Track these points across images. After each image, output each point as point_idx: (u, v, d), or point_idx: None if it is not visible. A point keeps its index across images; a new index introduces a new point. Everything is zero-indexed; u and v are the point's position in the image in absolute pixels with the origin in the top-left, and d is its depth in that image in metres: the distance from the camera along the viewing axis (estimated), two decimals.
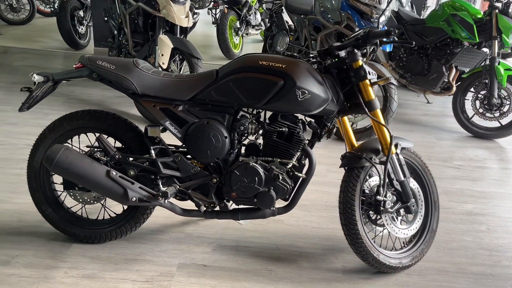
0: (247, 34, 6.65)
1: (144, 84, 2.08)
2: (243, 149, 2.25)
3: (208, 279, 2.14)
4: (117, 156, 2.08)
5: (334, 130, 2.22)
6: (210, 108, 2.13)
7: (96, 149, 2.15)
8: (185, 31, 3.99)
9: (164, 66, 3.69)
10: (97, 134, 2.22)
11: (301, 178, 2.18)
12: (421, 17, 5.04)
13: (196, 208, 2.19)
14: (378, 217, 2.24)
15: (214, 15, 6.77)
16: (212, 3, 6.72)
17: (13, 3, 7.49)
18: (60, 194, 2.30)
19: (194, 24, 4.18)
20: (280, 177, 2.10)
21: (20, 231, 2.37)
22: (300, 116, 2.18)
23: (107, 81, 2.12)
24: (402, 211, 2.25)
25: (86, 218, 2.33)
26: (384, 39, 2.03)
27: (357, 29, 3.60)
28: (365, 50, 2.13)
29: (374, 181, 2.29)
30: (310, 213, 2.78)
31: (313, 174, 2.18)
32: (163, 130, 2.14)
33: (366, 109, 2.11)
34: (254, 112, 2.21)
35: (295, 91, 2.01)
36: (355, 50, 2.10)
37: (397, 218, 2.25)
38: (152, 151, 2.10)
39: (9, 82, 4.67)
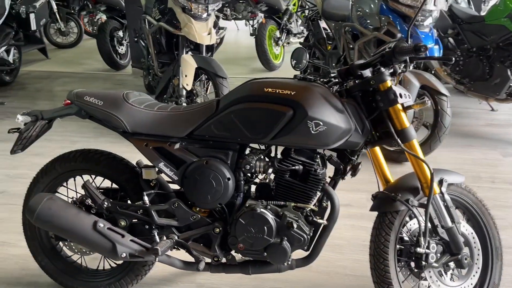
0: (288, 43, 6.32)
1: (135, 121, 1.82)
2: (253, 189, 1.92)
3: None
4: (105, 205, 1.83)
5: (360, 166, 1.83)
6: (211, 144, 1.82)
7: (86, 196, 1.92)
8: (211, 48, 3.74)
9: (188, 88, 3.46)
10: (93, 176, 2.00)
11: (322, 225, 1.82)
12: (480, 14, 4.44)
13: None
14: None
15: (252, 26, 6.51)
16: (250, 14, 6.45)
17: (61, 27, 7.68)
18: (58, 243, 2.09)
19: (221, 40, 3.92)
20: (295, 225, 1.75)
21: (20, 281, 2.19)
22: (319, 149, 1.81)
23: (96, 119, 1.89)
24: (452, 264, 1.80)
25: (85, 268, 2.10)
26: (413, 56, 1.62)
27: (399, 34, 3.16)
28: (393, 68, 1.73)
29: (414, 224, 1.87)
30: (344, 255, 2.39)
31: (337, 218, 1.81)
32: (160, 172, 1.86)
33: (398, 140, 1.71)
34: (264, 146, 1.88)
35: (306, 122, 1.66)
36: (382, 68, 1.71)
37: (445, 273, 1.80)
38: (146, 198, 1.83)
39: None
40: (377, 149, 1.89)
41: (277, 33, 6.15)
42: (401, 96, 1.70)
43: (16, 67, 5.48)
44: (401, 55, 1.61)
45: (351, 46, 3.59)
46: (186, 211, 1.83)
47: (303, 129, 1.67)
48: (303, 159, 1.79)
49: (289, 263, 1.82)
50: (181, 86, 3.45)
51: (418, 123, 3.25)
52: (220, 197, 1.79)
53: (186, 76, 3.44)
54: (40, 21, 5.66)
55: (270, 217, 1.76)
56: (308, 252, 1.86)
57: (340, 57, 3.92)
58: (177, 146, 1.82)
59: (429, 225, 1.73)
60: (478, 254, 1.86)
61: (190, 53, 3.69)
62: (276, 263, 1.79)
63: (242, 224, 1.76)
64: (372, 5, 3.40)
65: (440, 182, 1.80)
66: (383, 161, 1.91)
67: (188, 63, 3.44)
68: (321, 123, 1.66)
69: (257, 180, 1.89)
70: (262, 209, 1.76)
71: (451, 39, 4.26)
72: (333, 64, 4.04)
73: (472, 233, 1.87)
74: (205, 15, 3.47)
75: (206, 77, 3.61)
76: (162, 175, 1.88)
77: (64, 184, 2.05)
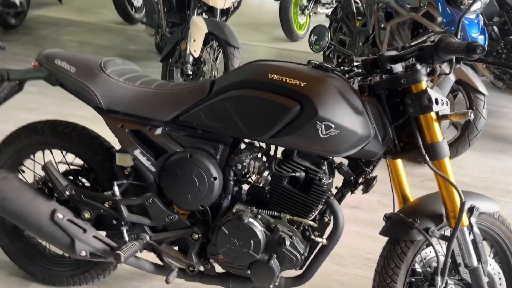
0: (315, 13, 5.85)
1: (111, 96, 1.52)
2: (246, 189, 1.63)
3: None
4: (67, 192, 1.55)
5: (375, 182, 1.51)
6: (199, 134, 1.52)
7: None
8: (226, 12, 3.36)
9: (196, 54, 3.12)
10: (64, 152, 1.72)
11: (320, 244, 1.52)
12: None
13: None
14: None
15: None
16: None
17: None
18: None
19: (239, 3, 3.53)
20: (287, 242, 1.46)
21: None
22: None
23: (67, 88, 1.59)
24: None
25: (49, 253, 1.86)
26: (462, 56, 1.26)
27: (439, 18, 2.75)
28: (431, 67, 1.38)
29: (431, 252, 1.57)
30: (344, 268, 2.10)
31: (339, 238, 1.52)
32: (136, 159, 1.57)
33: (426, 155, 1.38)
34: (262, 144, 1.57)
35: (315, 123, 1.34)
36: (418, 65, 1.36)
37: None
38: (116, 188, 1.55)
39: None
40: (399, 161, 1.57)
41: (304, 1, 5.69)
42: (436, 103, 1.36)
43: (23, 10, 5.16)
44: (446, 53, 1.26)
45: (382, 25, 3.18)
46: (161, 209, 1.54)
47: (310, 131, 1.35)
48: (307, 164, 1.47)
49: (276, 284, 1.54)
50: (188, 52, 3.11)
51: (447, 121, 2.88)
52: (202, 198, 1.50)
53: (194, 40, 3.09)
54: None
55: (259, 229, 1.47)
56: (301, 271, 1.58)
57: (369, 37, 3.52)
58: (158, 131, 1.52)
59: (449, 261, 1.43)
60: None
61: (204, 15, 3.33)
62: (260, 283, 1.51)
63: (225, 233, 1.48)
64: None
65: (470, 211, 1.47)
66: (404, 176, 1.59)
67: (198, 27, 3.08)
68: (332, 126, 1.34)
69: (251, 180, 1.59)
70: (250, 219, 1.47)
71: (495, 28, 3.79)
72: (360, 43, 3.64)
73: (499, 273, 1.56)
74: None
75: (217, 44, 3.25)
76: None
77: (31, 157, 1.78)
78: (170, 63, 3.31)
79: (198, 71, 3.19)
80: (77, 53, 1.63)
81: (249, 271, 1.50)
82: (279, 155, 1.52)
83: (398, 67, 1.40)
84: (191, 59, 3.12)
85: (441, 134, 1.40)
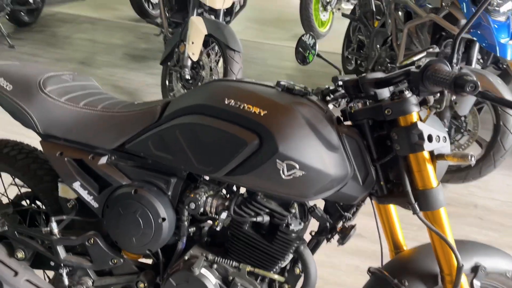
0: (338, 9, 5.50)
1: (49, 119, 1.32)
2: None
3: None
4: None
5: (353, 232, 1.24)
6: (149, 164, 1.29)
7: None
8: (230, 12, 3.12)
9: (194, 58, 2.89)
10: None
11: None
12: None
13: None
14: None
15: None
16: None
17: None
18: None
19: (244, 2, 3.27)
20: None
21: None
22: None
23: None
24: None
25: None
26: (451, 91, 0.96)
27: (462, 21, 2.40)
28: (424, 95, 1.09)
29: None
30: None
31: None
32: None
33: (415, 204, 1.10)
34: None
35: (275, 162, 1.09)
36: (407, 92, 1.08)
37: None
38: (54, 224, 1.35)
39: (52, 58, 4.28)
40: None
41: None
42: (430, 140, 1.07)
43: (37, 7, 5.08)
44: (433, 83, 0.98)
45: (399, 27, 2.85)
46: (104, 251, 1.33)
47: (270, 171, 1.10)
48: (273, 206, 1.22)
49: None
50: (186, 55, 2.90)
51: (470, 137, 2.54)
52: (149, 241, 1.27)
53: (193, 43, 2.87)
54: None
55: (212, 282, 1.23)
56: None
57: (387, 38, 3.19)
58: (102, 160, 1.30)
59: None
60: None
61: (205, 15, 3.10)
62: None
63: (172, 286, 1.25)
64: None
65: (474, 271, 1.18)
66: (396, 220, 1.31)
67: (197, 28, 2.85)
68: (296, 166, 1.08)
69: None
70: (203, 270, 1.24)
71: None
72: (377, 46, 3.31)
73: None
74: None
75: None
76: None
77: None
78: (169, 66, 3.11)
79: (197, 75, 2.97)
80: (21, 66, 1.44)
81: None
82: (243, 192, 1.28)
83: (385, 93, 1.13)
84: (189, 62, 2.90)
85: (436, 178, 1.12)
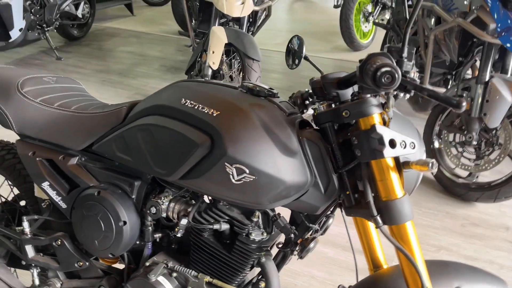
0: (382, 20, 5.32)
1: (24, 119, 1.34)
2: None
3: None
4: None
5: (312, 245, 1.14)
6: (116, 166, 1.28)
7: None
8: (253, 22, 3.10)
9: (214, 67, 2.89)
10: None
11: None
12: None
13: None
14: None
15: None
16: None
17: None
18: None
19: (269, 11, 3.23)
20: None
21: None
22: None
23: None
24: None
25: None
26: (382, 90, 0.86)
27: (492, 25, 2.21)
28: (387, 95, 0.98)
29: None
30: None
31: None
32: None
33: (377, 217, 0.98)
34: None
35: (224, 165, 1.02)
36: (367, 93, 0.98)
37: None
38: (25, 223, 1.36)
39: (93, 69, 4.46)
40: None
41: (369, 7, 5.20)
42: (392, 145, 0.96)
43: (86, 22, 5.37)
44: (365, 81, 0.88)
45: (427, 34, 2.68)
46: (70, 253, 1.32)
47: (220, 175, 1.04)
48: (234, 214, 1.16)
49: None
50: (207, 64, 2.90)
51: (502, 152, 2.31)
52: (110, 245, 1.24)
53: (213, 52, 2.87)
54: None
55: None
56: None
57: (419, 47, 3.01)
58: (72, 161, 1.30)
59: None
60: None
61: (230, 25, 3.10)
62: None
63: None
64: None
65: None
66: (375, 236, 1.19)
67: (218, 37, 2.85)
68: (246, 171, 1.01)
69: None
70: (160, 278, 1.19)
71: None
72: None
73: None
74: None
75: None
76: None
77: None
78: (192, 75, 3.13)
79: None
80: (6, 69, 1.48)
81: None
82: (207, 200, 1.22)
83: (348, 94, 1.03)
84: (210, 71, 2.90)
85: (402, 189, 1.00)
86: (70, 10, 4.87)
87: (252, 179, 1.01)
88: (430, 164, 0.92)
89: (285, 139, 1.03)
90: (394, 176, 0.99)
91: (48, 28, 4.56)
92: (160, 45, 5.33)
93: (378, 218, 0.99)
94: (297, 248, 1.16)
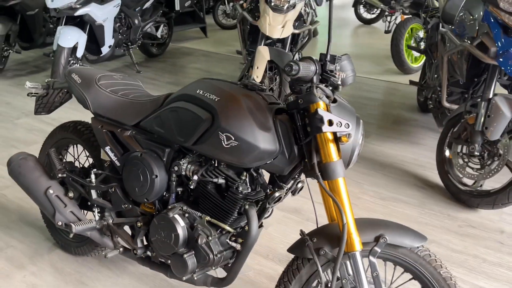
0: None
1: (97, 102, 1.92)
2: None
3: None
4: (59, 175, 1.99)
5: (276, 198, 1.57)
6: (155, 138, 1.80)
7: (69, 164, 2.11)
8: (295, 43, 3.58)
9: (258, 80, 3.40)
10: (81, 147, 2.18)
11: (236, 248, 1.64)
12: None
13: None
14: None
15: (388, 22, 5.89)
16: (388, 9, 5.83)
17: (226, 9, 8.29)
18: None
19: (309, 34, 3.69)
20: (202, 241, 1.62)
21: (37, 224, 2.56)
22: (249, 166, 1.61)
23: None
24: None
25: None
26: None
27: (493, 49, 2.50)
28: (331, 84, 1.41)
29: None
30: None
31: (252, 245, 1.61)
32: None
33: (318, 174, 1.41)
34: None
35: (218, 134, 1.51)
36: (320, 86, 1.41)
37: None
38: (92, 176, 1.93)
39: (165, 81, 5.18)
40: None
41: (421, 33, 5.46)
42: (330, 124, 1.38)
43: (164, 42, 6.17)
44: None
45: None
46: (119, 197, 1.86)
47: (215, 141, 1.52)
48: (229, 173, 1.63)
49: (195, 279, 1.70)
50: (252, 78, 3.42)
51: (500, 162, 2.55)
52: (145, 192, 1.76)
53: (257, 68, 3.39)
54: (185, 2, 6.22)
55: (180, 225, 1.66)
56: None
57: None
58: (127, 133, 1.85)
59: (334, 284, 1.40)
60: None
61: (277, 45, 3.61)
62: (176, 273, 1.69)
63: (155, 225, 1.72)
64: (481, 9, 2.75)
65: (376, 239, 1.42)
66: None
67: (262, 55, 3.37)
68: (232, 138, 1.48)
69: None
70: (176, 215, 1.68)
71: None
72: (435, 76, 3.44)
73: None
74: (285, 6, 3.33)
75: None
76: None
77: (66, 148, 2.29)
78: None
79: None
80: (90, 69, 2.08)
81: (169, 261, 1.70)
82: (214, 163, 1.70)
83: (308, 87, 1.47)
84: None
85: (338, 155, 1.41)
86: (151, 31, 5.69)
87: (236, 144, 1.48)
88: (347, 135, 1.34)
89: (263, 119, 1.49)
90: (331, 146, 1.40)
91: (132, 46, 5.38)
92: (224, 63, 5.98)
93: (319, 175, 1.41)
94: (272, 200, 1.58)
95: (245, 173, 1.61)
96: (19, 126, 3.92)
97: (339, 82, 1.39)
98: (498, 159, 2.55)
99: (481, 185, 2.73)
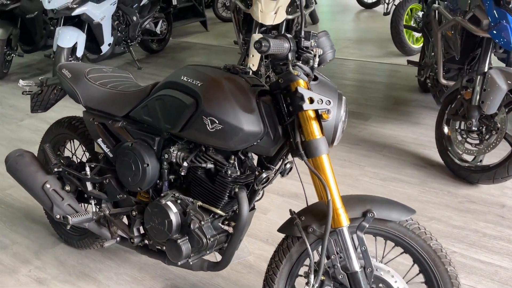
0: None
1: (88, 95, 1.94)
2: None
3: None
4: (55, 169, 2.02)
5: (266, 180, 1.58)
6: (145, 128, 1.82)
7: (65, 159, 2.14)
8: (290, 29, 3.56)
9: (254, 68, 3.35)
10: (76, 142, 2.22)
11: (229, 231, 1.66)
12: None
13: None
14: None
15: (386, 4, 5.82)
16: None
17: (226, 2, 8.27)
18: None
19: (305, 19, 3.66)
20: (194, 226, 1.64)
21: (42, 220, 2.61)
22: (237, 150, 1.63)
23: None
24: None
25: None
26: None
27: (485, 21, 2.46)
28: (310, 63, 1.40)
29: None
30: None
31: (243, 229, 1.63)
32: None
33: (302, 152, 1.41)
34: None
35: (202, 118, 1.53)
36: (298, 64, 1.41)
37: None
38: (87, 168, 1.96)
39: (165, 76, 5.19)
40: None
41: (421, 14, 5.39)
42: (311, 101, 1.38)
43: (164, 38, 6.19)
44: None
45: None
46: (114, 188, 1.89)
47: (200, 125, 1.54)
48: (218, 158, 1.64)
49: (191, 263, 1.72)
50: (248, 66, 3.42)
51: (498, 135, 2.52)
52: (138, 181, 1.78)
53: (252, 56, 3.38)
54: None
55: (173, 211, 1.68)
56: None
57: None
58: (118, 124, 1.87)
59: (324, 264, 1.41)
60: None
61: (274, 32, 3.60)
62: (171, 259, 1.71)
63: (148, 212, 1.74)
64: None
65: (364, 214, 1.42)
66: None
67: None
68: (216, 121, 1.50)
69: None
70: (168, 202, 1.70)
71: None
72: (432, 53, 3.40)
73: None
74: None
75: None
76: None
77: (63, 144, 2.33)
78: None
79: None
80: (80, 63, 2.11)
81: (164, 247, 1.72)
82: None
83: (291, 68, 1.47)
84: (250, 72, 3.41)
85: (321, 132, 1.41)
86: (150, 27, 5.71)
87: (220, 127, 1.49)
88: (327, 111, 1.34)
89: (246, 101, 1.49)
90: (314, 123, 1.41)
91: (132, 43, 5.41)
92: (224, 55, 5.98)
93: (303, 153, 1.41)
94: (259, 182, 1.59)
95: (233, 157, 1.62)
96: (23, 127, 3.98)
97: (317, 59, 1.38)
98: (496, 133, 2.53)
99: (480, 161, 2.71)
